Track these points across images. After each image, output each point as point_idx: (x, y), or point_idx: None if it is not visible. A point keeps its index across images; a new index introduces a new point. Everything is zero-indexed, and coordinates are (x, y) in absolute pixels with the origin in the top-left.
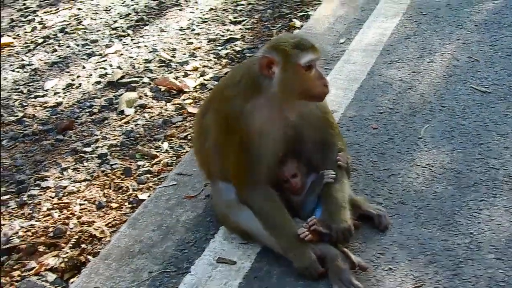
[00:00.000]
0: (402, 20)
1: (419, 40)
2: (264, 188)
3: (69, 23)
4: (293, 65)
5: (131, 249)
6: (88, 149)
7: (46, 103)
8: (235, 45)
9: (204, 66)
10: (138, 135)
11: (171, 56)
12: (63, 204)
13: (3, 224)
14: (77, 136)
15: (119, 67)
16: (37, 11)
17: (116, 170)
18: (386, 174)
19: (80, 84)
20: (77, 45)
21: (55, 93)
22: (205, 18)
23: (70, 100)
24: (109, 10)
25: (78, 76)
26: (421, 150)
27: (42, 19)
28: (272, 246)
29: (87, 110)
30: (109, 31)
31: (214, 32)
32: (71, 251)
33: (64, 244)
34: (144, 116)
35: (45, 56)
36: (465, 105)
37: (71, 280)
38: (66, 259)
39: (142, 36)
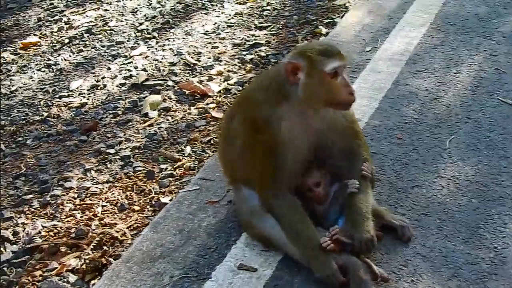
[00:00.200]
0: (429, 30)
1: (446, 50)
2: (288, 196)
3: (96, 24)
4: (319, 71)
5: (153, 253)
6: (112, 151)
7: (71, 103)
8: (260, 50)
9: (228, 71)
10: (161, 138)
11: (196, 60)
12: (85, 205)
13: (26, 224)
14: (101, 138)
15: (144, 70)
16: (64, 11)
17: (138, 172)
18: (410, 185)
19: (104, 85)
20: (103, 46)
21: (79, 94)
22: (231, 23)
23: (94, 101)
24: (135, 12)
25: (103, 77)
26: (446, 161)
27: (69, 19)
28: (294, 255)
29: (111, 112)
30: (135, 33)
31: (239, 37)
32: (93, 252)
33: (85, 246)
34: (168, 119)
35: (70, 56)
36: (492, 117)
37: (92, 282)
38: (87, 261)
39: (167, 39)
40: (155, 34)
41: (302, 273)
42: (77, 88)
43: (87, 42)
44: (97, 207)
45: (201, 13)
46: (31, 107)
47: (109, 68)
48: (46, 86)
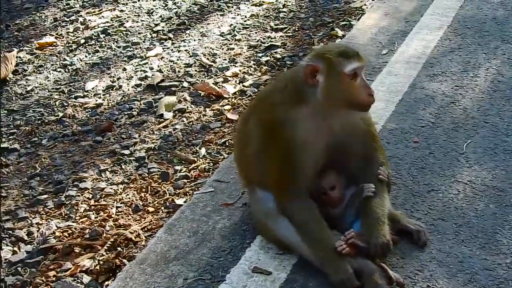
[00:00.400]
0: (447, 33)
1: (463, 54)
2: (304, 199)
3: (111, 25)
4: (338, 73)
5: (167, 255)
6: (126, 152)
7: (86, 104)
8: (275, 52)
9: (244, 73)
10: (176, 140)
11: (211, 61)
12: (100, 206)
13: (40, 224)
14: (116, 138)
15: (159, 71)
16: (80, 11)
17: (153, 174)
18: (426, 189)
19: (120, 86)
20: (119, 47)
21: (95, 94)
22: (247, 24)
23: (110, 102)
24: (151, 13)
25: (119, 78)
26: (463, 166)
27: (85, 19)
28: (309, 258)
29: (126, 113)
30: (151, 34)
31: (255, 39)
32: (107, 253)
33: (99, 247)
34: (183, 121)
35: (86, 56)
36: (509, 121)
37: (106, 283)
38: (101, 262)
39: (183, 40)
40: (171, 35)
41: (317, 277)
42: (92, 88)
43: (103, 43)
44: (111, 208)
45: (216, 14)
46: (46, 107)
47: (124, 69)
48: (61, 86)
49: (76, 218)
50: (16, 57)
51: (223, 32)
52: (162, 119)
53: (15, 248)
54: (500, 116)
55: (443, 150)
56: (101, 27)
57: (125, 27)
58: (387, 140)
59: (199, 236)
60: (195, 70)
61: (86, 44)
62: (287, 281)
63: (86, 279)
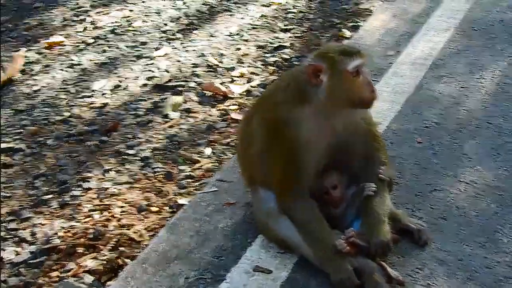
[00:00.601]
0: (454, 35)
1: (470, 55)
2: (305, 198)
3: (120, 24)
4: (341, 71)
5: (169, 254)
6: (131, 152)
7: (93, 103)
8: (283, 53)
9: (251, 73)
10: (181, 139)
11: (219, 61)
12: (104, 206)
13: (44, 224)
14: (121, 138)
15: (166, 71)
16: (90, 11)
17: (158, 173)
18: (428, 188)
19: (127, 86)
20: (127, 47)
21: (102, 94)
22: (255, 25)
23: (116, 102)
24: (160, 13)
25: (126, 78)
26: (465, 166)
27: (94, 19)
28: (310, 257)
29: (132, 112)
30: (159, 34)
31: (263, 39)
32: (110, 253)
33: (102, 247)
34: (189, 121)
35: (94, 56)
36: None
37: (108, 283)
38: (104, 262)
39: (191, 40)
40: (179, 35)
41: (318, 276)
42: (99, 88)
43: (111, 43)
44: (115, 208)
45: (225, 15)
46: (53, 107)
47: (132, 69)
48: (68, 86)
49: (80, 218)
50: (24, 56)
51: (231, 33)
52: (168, 119)
53: (18, 249)
54: (504, 118)
55: (446, 151)
56: (110, 26)
57: (133, 27)
58: (391, 140)
59: (201, 236)
60: (202, 70)
61: (95, 44)
62: (288, 280)
63: (89, 279)
